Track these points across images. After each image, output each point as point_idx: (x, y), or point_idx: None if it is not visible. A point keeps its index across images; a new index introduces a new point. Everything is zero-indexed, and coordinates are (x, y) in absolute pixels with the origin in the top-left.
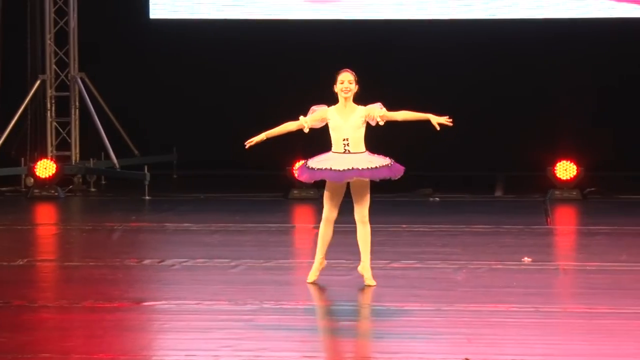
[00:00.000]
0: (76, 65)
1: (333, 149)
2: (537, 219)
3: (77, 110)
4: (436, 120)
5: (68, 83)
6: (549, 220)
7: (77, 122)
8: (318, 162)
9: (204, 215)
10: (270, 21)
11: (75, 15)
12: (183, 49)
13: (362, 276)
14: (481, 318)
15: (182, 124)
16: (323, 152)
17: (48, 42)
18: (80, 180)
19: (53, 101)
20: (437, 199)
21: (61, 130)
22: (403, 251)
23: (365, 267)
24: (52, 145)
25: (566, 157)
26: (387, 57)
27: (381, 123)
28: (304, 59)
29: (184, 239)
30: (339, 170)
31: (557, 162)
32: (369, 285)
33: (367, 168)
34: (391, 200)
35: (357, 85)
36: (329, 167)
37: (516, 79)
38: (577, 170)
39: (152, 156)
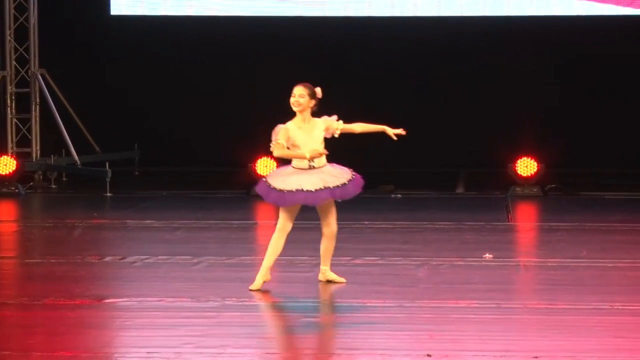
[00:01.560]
0: (36, 62)
1: (294, 164)
2: (498, 215)
3: (38, 106)
4: (392, 132)
5: (28, 79)
6: (510, 216)
7: (38, 119)
8: (284, 182)
9: (166, 212)
10: (234, 18)
11: (36, 12)
12: (144, 45)
13: (328, 281)
14: (443, 314)
15: (143, 120)
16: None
17: (8, 38)
18: (41, 177)
19: (13, 97)
20: (399, 195)
21: (21, 127)
22: (365, 248)
23: (328, 272)
24: (12, 141)
25: (527, 154)
26: (347, 55)
27: (336, 135)
28: (266, 56)
29: (146, 235)
30: (312, 191)
31: (517, 159)
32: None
33: (338, 186)
34: (353, 197)
35: (312, 100)
36: (300, 188)
37: (476, 76)
38: (537, 167)
39: (113, 153)
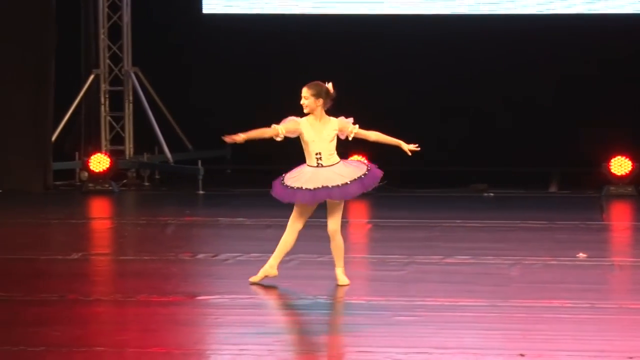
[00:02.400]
0: (130, 60)
1: (307, 162)
2: (592, 214)
3: (131, 104)
4: (407, 147)
5: (122, 77)
6: (604, 216)
7: (131, 117)
8: (292, 179)
9: (258, 209)
10: (325, 16)
11: (129, 10)
12: (236, 43)
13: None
14: (536, 314)
15: (235, 118)
16: (298, 165)
17: (102, 36)
18: (134, 174)
19: (107, 96)
20: (492, 194)
21: (115, 125)
22: (457, 246)
23: (339, 274)
24: (106, 139)
25: (621, 153)
26: (440, 51)
27: (350, 138)
28: (360, 53)
29: (238, 233)
30: (311, 189)
31: (612, 158)
32: (342, 285)
33: (338, 185)
34: (445, 196)
35: (319, 99)
36: (301, 187)
37: (570, 73)
38: (632, 166)
39: (205, 150)
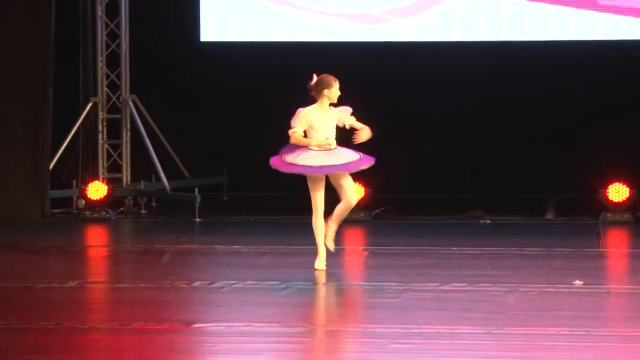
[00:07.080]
0: (127, 88)
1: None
2: (588, 241)
3: (129, 132)
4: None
5: (119, 105)
6: (600, 243)
7: (129, 144)
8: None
9: (254, 237)
10: (322, 43)
11: (127, 39)
12: (233, 71)
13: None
14: (532, 341)
15: (232, 146)
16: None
17: (100, 64)
18: (131, 202)
19: (104, 123)
20: (488, 221)
21: (112, 153)
22: (453, 274)
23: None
24: (103, 167)
25: (618, 180)
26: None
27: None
28: (356, 82)
29: (234, 261)
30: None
31: (609, 185)
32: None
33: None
34: (441, 223)
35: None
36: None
37: (567, 102)
38: (629, 192)
39: (202, 178)
